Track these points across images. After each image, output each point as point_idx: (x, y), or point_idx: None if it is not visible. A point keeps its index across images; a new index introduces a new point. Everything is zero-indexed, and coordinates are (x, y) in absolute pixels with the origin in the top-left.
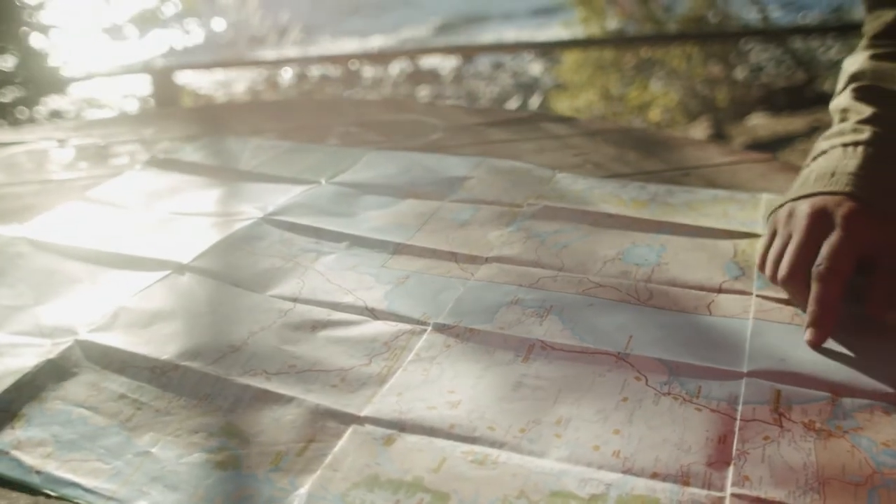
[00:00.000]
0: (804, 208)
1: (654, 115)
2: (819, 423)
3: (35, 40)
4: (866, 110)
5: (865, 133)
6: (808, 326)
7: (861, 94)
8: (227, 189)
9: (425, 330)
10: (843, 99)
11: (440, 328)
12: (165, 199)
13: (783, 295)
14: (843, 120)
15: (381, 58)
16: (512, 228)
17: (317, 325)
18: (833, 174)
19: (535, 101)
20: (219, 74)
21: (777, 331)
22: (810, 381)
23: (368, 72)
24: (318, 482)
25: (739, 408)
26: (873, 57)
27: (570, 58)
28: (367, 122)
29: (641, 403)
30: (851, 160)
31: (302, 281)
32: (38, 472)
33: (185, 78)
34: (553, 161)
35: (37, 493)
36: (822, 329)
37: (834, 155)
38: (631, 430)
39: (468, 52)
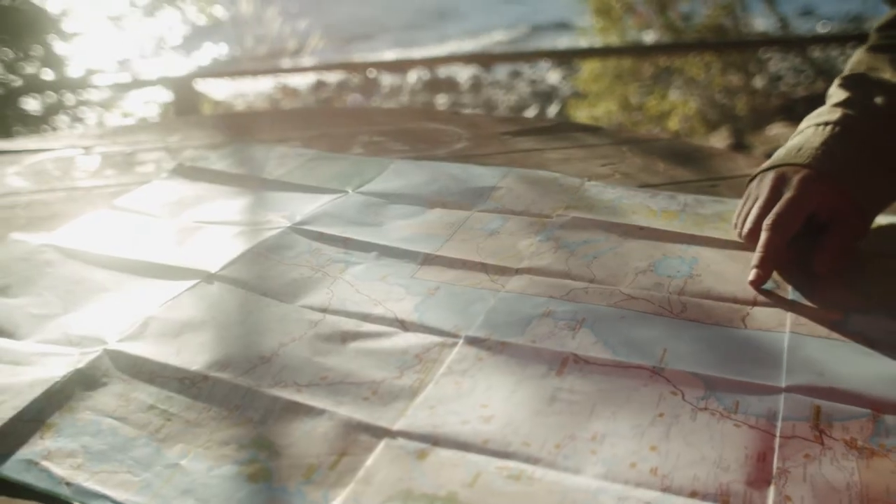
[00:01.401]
0: (770, 175)
1: (673, 124)
2: (861, 440)
3: (58, 48)
4: (843, 95)
5: (836, 114)
6: (751, 268)
7: (844, 82)
8: (254, 198)
9: (457, 342)
10: (831, 87)
11: (472, 341)
12: (192, 208)
13: (820, 307)
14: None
15: (398, 66)
16: (541, 238)
17: (347, 337)
18: (800, 149)
19: (553, 110)
20: (237, 83)
21: (814, 345)
22: (850, 397)
23: (386, 80)
24: (350, 496)
25: (779, 424)
26: (870, 49)
27: (588, 67)
28: (391, 131)
29: (678, 419)
30: (817, 137)
31: (331, 291)
32: (67, 484)
33: (204, 86)
34: (581, 171)
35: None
36: (761, 270)
37: (807, 133)
38: (668, 447)
39: (486, 61)
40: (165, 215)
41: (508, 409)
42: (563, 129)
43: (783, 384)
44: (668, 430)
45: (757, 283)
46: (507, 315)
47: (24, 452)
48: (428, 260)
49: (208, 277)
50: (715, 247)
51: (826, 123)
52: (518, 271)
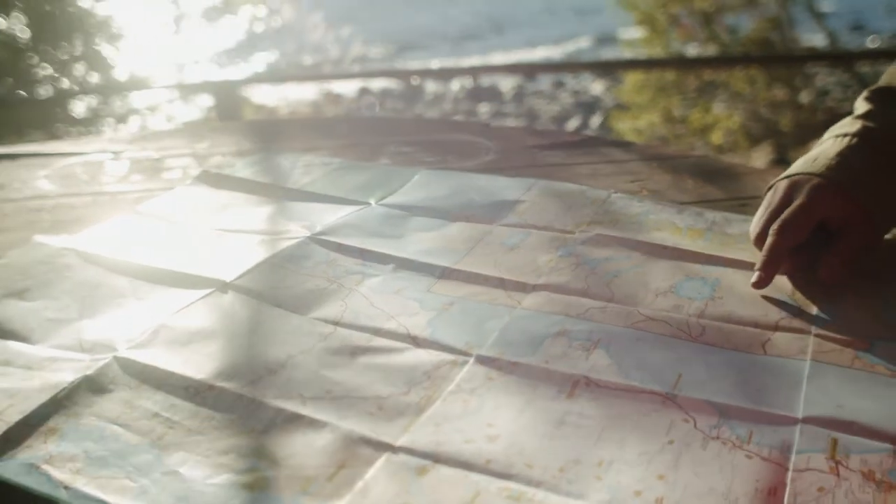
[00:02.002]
0: (783, 184)
1: (717, 137)
2: (879, 473)
3: (105, 51)
4: (866, 107)
5: (856, 126)
6: (755, 270)
7: (870, 95)
8: (276, 207)
9: (467, 361)
10: (857, 99)
11: (483, 360)
12: (214, 216)
13: (844, 335)
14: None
15: (441, 74)
16: (561, 254)
17: (357, 351)
18: (816, 159)
19: (595, 121)
20: (283, 89)
21: (836, 374)
22: (871, 431)
23: (430, 88)
24: None
25: (793, 457)
26: None
27: (631, 78)
28: (420, 142)
29: (689, 447)
30: (834, 148)
31: (345, 304)
32: (66, 488)
33: (247, 91)
34: (608, 186)
35: None
36: (763, 272)
37: (826, 144)
38: (676, 476)
39: (529, 71)
40: (187, 222)
41: (514, 430)
42: (592, 143)
43: (800, 415)
44: (678, 458)
45: (758, 285)
46: (521, 333)
47: (27, 456)
48: (445, 274)
49: (223, 286)
50: (739, 268)
51: (845, 135)
52: (535, 287)
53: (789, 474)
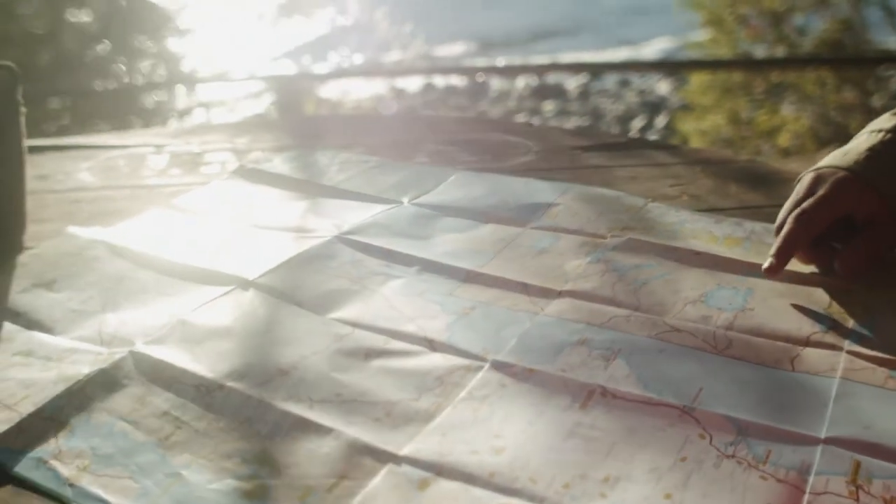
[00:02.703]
0: (809, 176)
1: (784, 140)
2: None
3: (172, 44)
4: None
5: (892, 122)
6: (769, 256)
7: None
8: (308, 204)
9: (482, 367)
10: None
11: (498, 366)
12: (246, 212)
13: (879, 353)
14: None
15: (507, 71)
16: (590, 259)
17: (371, 354)
18: (846, 153)
19: (660, 122)
20: (350, 84)
21: (865, 394)
22: None
23: (496, 85)
24: None
25: (811, 479)
26: None
27: (697, 79)
28: (459, 141)
29: (701, 465)
30: (866, 143)
31: (366, 305)
32: (71, 485)
33: (313, 86)
34: (647, 190)
35: None
36: (776, 259)
37: (859, 139)
38: (684, 496)
39: (595, 70)
40: (219, 218)
41: (522, 442)
42: (636, 145)
43: (823, 435)
44: (688, 477)
45: (770, 272)
46: (541, 340)
47: (37, 450)
48: (470, 277)
49: (245, 284)
50: (775, 279)
51: (880, 130)
52: (560, 294)
53: (805, 497)
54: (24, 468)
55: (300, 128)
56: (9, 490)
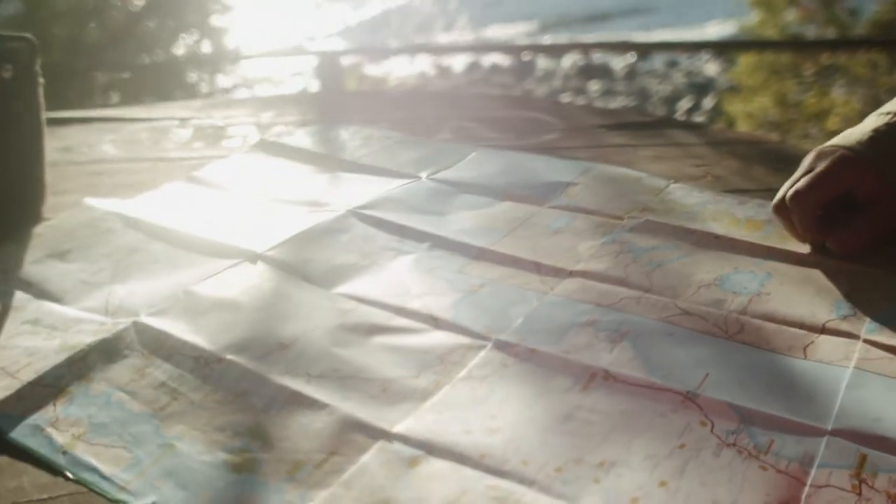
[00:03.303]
0: (811, 154)
1: (833, 123)
2: None
3: (216, 20)
4: None
5: None
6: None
7: None
8: (326, 178)
9: (485, 346)
10: None
11: (501, 345)
12: (263, 185)
13: None
14: None
15: (553, 50)
16: (605, 240)
17: (373, 330)
18: (851, 133)
19: (707, 103)
20: (394, 62)
21: (878, 385)
22: None
23: (542, 64)
24: (327, 499)
25: (812, 471)
26: None
27: (744, 60)
28: (484, 118)
29: (700, 453)
30: (871, 124)
31: (373, 280)
32: (64, 453)
33: (353, 60)
34: (670, 170)
35: (58, 472)
36: (814, 244)
37: (867, 121)
38: (679, 484)
39: (642, 50)
40: (235, 190)
41: (518, 423)
42: (662, 125)
43: (829, 426)
44: (686, 464)
45: (819, 252)
46: (547, 320)
47: (35, 417)
48: (481, 255)
49: (253, 257)
50: (794, 263)
51: (888, 113)
52: (571, 274)
53: (805, 490)
54: (20, 434)
55: (326, 103)
56: (5, 459)
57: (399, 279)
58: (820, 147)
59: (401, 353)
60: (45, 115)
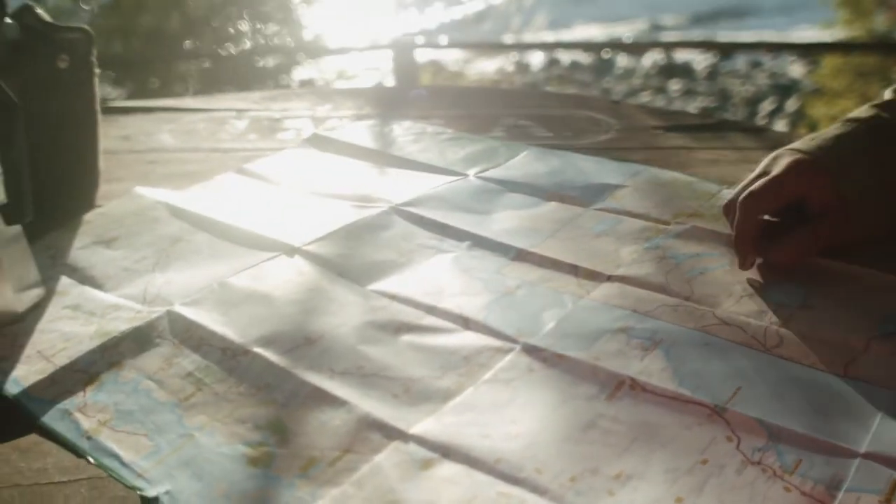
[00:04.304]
0: (770, 156)
1: None
2: None
3: (298, 12)
4: (890, 96)
5: (869, 113)
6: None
7: None
8: (374, 173)
9: (513, 349)
10: (888, 89)
11: (529, 349)
12: (312, 179)
13: None
14: None
15: (634, 48)
16: (648, 245)
17: (402, 328)
18: (814, 139)
19: (791, 105)
20: (468, 55)
21: None
22: None
23: (622, 62)
24: (337, 497)
25: (840, 495)
26: None
27: (830, 62)
28: (539, 116)
29: (722, 470)
30: (836, 131)
31: (409, 278)
32: (89, 438)
33: (432, 55)
34: (726, 174)
35: (82, 456)
36: (740, 255)
37: (833, 126)
38: (697, 502)
39: (725, 49)
40: (283, 184)
41: (537, 430)
42: (722, 127)
43: (863, 448)
44: (705, 481)
45: (742, 268)
46: (580, 325)
47: (65, 402)
48: (520, 256)
49: (290, 251)
50: (840, 276)
51: (855, 120)
52: (610, 278)
53: None
54: (49, 418)
55: (385, 97)
56: (33, 438)
57: (434, 278)
58: (779, 150)
59: (427, 352)
60: (109, 104)
